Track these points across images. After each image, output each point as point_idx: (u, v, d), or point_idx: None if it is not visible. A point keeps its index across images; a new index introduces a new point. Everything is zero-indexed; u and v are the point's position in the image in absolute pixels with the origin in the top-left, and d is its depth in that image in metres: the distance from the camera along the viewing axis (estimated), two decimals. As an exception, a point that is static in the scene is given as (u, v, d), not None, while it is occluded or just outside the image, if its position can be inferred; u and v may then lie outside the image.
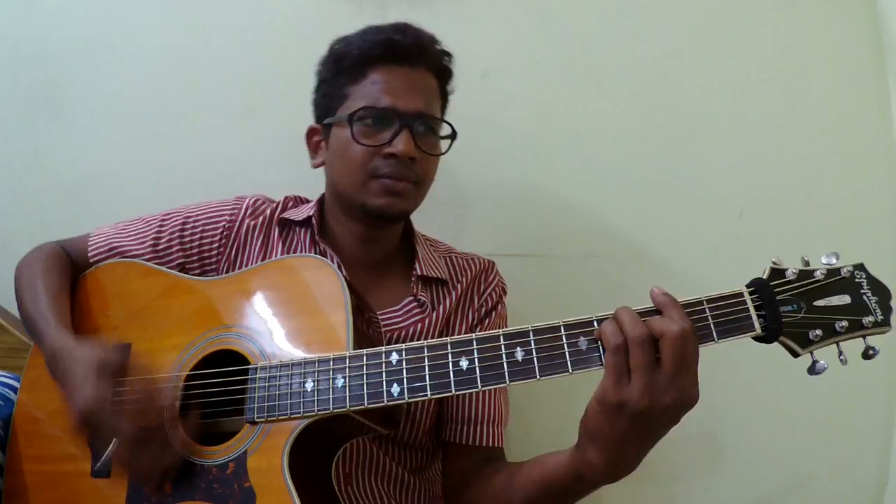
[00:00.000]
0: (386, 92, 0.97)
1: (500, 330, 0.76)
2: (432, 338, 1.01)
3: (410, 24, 1.02)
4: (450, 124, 1.05)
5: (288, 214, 1.07)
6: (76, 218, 1.37)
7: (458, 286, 1.07)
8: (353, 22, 1.25)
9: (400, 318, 1.03)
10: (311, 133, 1.08)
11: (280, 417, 0.80)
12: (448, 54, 1.05)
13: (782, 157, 1.39)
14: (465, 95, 1.38)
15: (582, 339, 0.73)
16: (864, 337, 0.73)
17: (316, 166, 1.08)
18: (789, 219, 1.38)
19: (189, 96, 1.40)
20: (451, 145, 1.04)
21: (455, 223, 1.39)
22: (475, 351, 0.76)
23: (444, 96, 1.07)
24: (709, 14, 1.41)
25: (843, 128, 1.40)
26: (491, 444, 1.01)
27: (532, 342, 0.74)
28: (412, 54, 0.99)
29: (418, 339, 1.00)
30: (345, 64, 1.01)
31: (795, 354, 0.74)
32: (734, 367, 1.32)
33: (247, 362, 0.85)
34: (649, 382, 0.68)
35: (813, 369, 0.73)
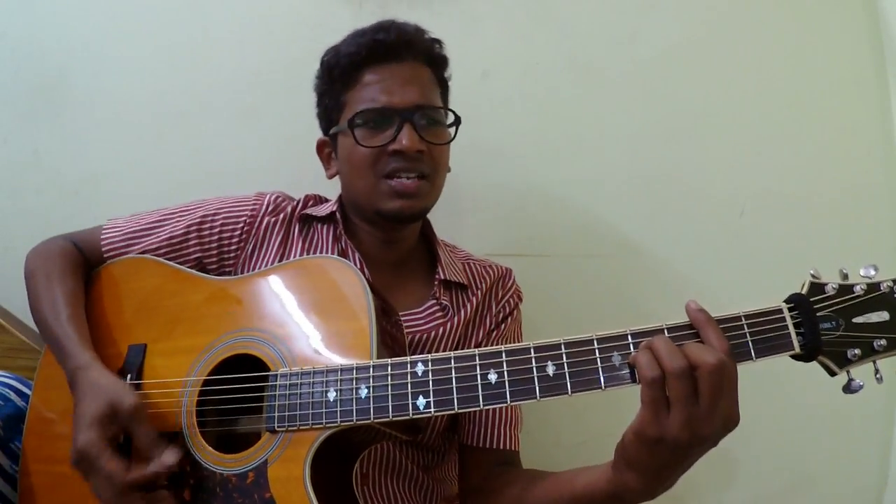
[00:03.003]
0: (381, 91, 0.98)
1: (531, 342, 0.73)
2: (453, 342, 1.02)
3: (394, 19, 1.02)
4: (452, 111, 1.04)
5: (309, 210, 1.07)
6: (76, 218, 1.37)
7: (479, 292, 1.07)
8: (353, 22, 1.24)
9: (422, 321, 1.02)
10: (320, 146, 1.10)
11: (301, 427, 0.78)
12: (438, 41, 1.05)
13: (782, 157, 1.39)
14: (465, 95, 1.38)
15: (615, 354, 0.71)
16: None
17: (331, 177, 1.08)
18: (789, 219, 1.38)
19: (189, 96, 1.40)
20: (456, 131, 1.04)
21: (455, 223, 1.38)
22: (504, 364, 0.73)
23: (441, 84, 1.06)
24: (709, 14, 1.40)
25: (843, 128, 1.40)
26: (507, 448, 1.01)
27: (564, 356, 0.72)
28: (399, 49, 0.99)
29: (439, 343, 1.01)
30: (336, 73, 1.02)
31: (832, 373, 0.72)
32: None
33: (266, 367, 0.84)
34: (690, 416, 0.66)
35: (849, 388, 0.72)
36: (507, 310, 1.09)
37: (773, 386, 1.37)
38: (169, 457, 0.79)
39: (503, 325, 1.08)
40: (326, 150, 1.08)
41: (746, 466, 1.40)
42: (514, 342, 1.02)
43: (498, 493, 0.95)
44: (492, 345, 0.99)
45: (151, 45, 1.40)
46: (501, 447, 1.00)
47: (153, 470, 0.78)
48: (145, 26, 1.40)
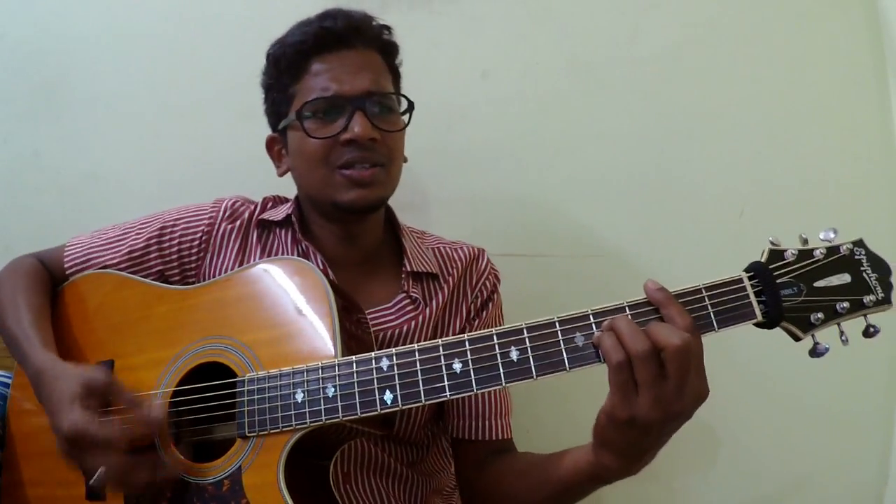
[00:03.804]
0: (329, 80, 0.94)
1: (493, 329, 0.74)
2: (426, 334, 1.00)
3: (341, 7, 0.99)
4: (404, 97, 1.01)
5: (267, 215, 1.05)
6: (76, 218, 1.37)
7: (450, 279, 1.05)
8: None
9: (392, 317, 1.00)
10: (270, 143, 1.06)
11: (272, 431, 0.78)
12: (387, 28, 1.01)
13: (782, 157, 1.39)
14: (465, 95, 1.38)
15: (578, 335, 0.71)
16: (864, 315, 0.72)
17: (281, 174, 1.05)
18: (789, 219, 1.38)
19: (189, 96, 1.40)
20: (410, 118, 1.00)
21: (454, 223, 1.38)
22: (468, 352, 0.73)
23: (393, 71, 1.03)
24: (709, 14, 1.40)
25: (844, 127, 1.40)
26: (500, 437, 1.00)
27: (527, 340, 0.72)
28: (347, 36, 0.96)
29: (412, 337, 1.00)
30: (283, 64, 0.99)
31: (797, 338, 0.73)
32: (733, 367, 1.32)
33: (234, 374, 0.83)
34: (658, 395, 0.66)
35: (815, 351, 0.72)
36: (485, 294, 1.06)
37: (772, 386, 1.37)
38: (157, 411, 0.80)
39: (484, 313, 1.05)
40: (276, 147, 1.04)
41: (746, 467, 1.40)
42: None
43: (492, 486, 0.96)
44: None
45: (151, 45, 1.40)
46: (494, 437, 0.99)
47: (146, 424, 0.79)
48: (145, 26, 1.40)
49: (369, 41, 0.98)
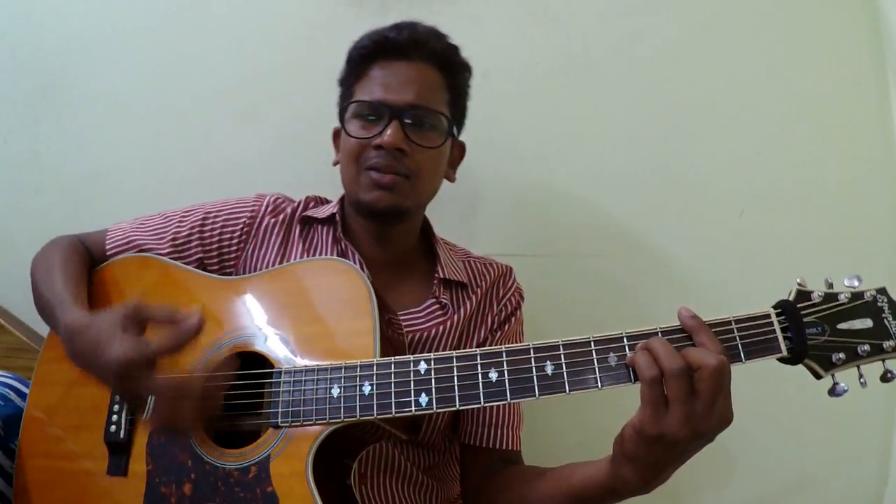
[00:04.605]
0: (379, 85, 0.99)
1: (530, 343, 0.76)
2: (452, 340, 1.03)
3: (417, 21, 1.03)
4: (446, 116, 1.02)
5: (310, 212, 1.08)
6: (76, 218, 1.37)
7: (479, 290, 1.08)
8: (353, 22, 1.25)
9: (421, 320, 1.03)
10: (335, 134, 1.11)
11: (305, 423, 0.80)
12: (454, 47, 1.04)
13: (782, 157, 1.39)
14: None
15: (612, 354, 0.74)
16: (883, 360, 0.75)
17: (334, 164, 1.08)
18: (789, 219, 1.38)
19: (189, 96, 1.40)
20: (445, 139, 1.02)
21: (455, 223, 1.38)
22: (505, 363, 0.76)
23: (452, 90, 1.05)
24: (708, 14, 1.41)
25: (843, 128, 1.40)
26: (508, 448, 1.02)
27: (562, 356, 0.75)
28: (407, 49, 1.00)
29: (438, 341, 1.02)
30: (351, 65, 1.05)
31: (818, 376, 0.75)
32: (735, 368, 1.32)
33: (269, 365, 0.85)
34: (688, 413, 0.68)
35: (834, 391, 0.75)
36: (510, 308, 1.10)
37: (773, 386, 1.37)
38: (196, 318, 0.77)
39: (506, 326, 1.08)
40: (337, 139, 1.10)
41: (747, 466, 1.40)
42: (517, 343, 1.02)
43: (499, 492, 0.96)
44: (494, 344, 1.00)
45: (151, 45, 1.40)
46: (502, 447, 1.01)
47: (187, 333, 0.77)
48: (145, 26, 1.40)
49: (428, 56, 1.01)
